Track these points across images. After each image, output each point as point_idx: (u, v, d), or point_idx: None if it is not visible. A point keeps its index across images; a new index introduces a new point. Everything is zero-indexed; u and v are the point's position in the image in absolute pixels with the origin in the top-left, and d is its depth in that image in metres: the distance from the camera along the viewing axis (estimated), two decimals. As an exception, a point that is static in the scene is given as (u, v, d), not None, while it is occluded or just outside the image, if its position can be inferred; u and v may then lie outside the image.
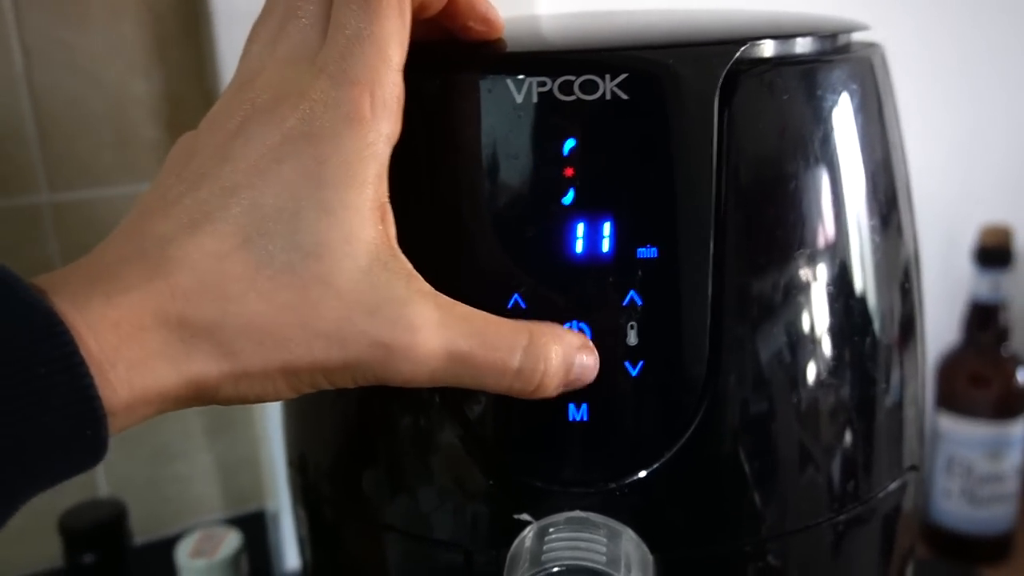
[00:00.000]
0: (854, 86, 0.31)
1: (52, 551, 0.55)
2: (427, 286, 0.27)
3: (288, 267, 0.25)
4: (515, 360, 0.27)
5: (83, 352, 0.22)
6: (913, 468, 0.35)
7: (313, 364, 0.26)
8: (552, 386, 0.28)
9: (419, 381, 0.27)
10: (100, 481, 0.60)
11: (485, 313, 0.28)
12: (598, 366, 0.29)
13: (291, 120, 0.26)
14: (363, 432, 0.34)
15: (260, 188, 0.25)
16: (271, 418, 0.61)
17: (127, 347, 0.23)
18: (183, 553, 0.51)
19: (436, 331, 0.26)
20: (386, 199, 0.27)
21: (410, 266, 0.27)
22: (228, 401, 0.26)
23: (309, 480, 0.37)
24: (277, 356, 0.25)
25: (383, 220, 0.27)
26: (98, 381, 0.23)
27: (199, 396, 0.25)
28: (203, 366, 0.24)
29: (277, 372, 0.25)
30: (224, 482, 0.64)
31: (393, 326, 0.26)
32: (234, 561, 0.51)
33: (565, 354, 0.28)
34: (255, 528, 0.64)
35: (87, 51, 0.53)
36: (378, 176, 0.26)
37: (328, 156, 0.25)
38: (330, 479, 0.36)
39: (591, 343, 0.29)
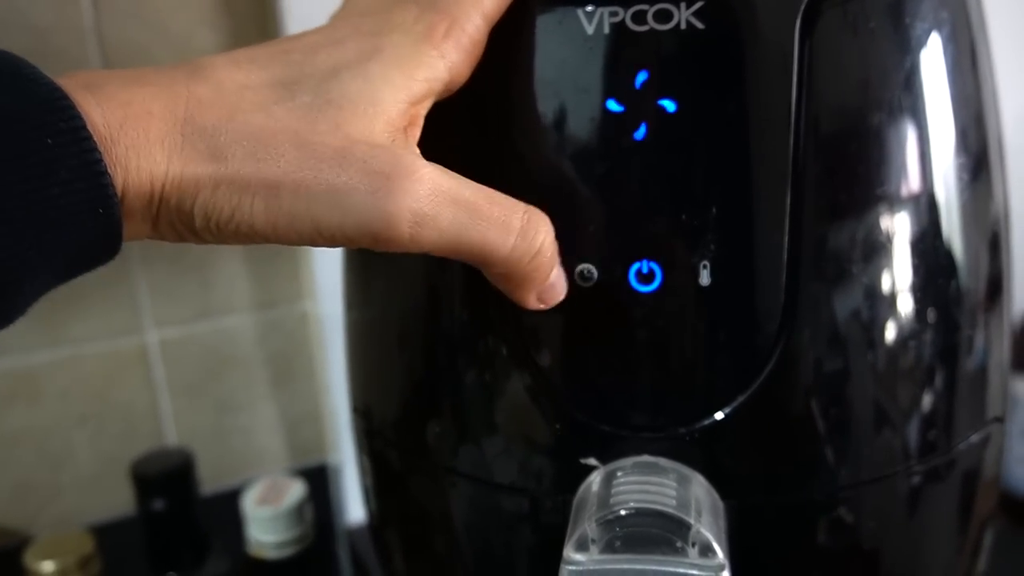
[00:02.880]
0: (944, 15, 0.30)
1: (124, 498, 0.57)
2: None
3: (306, 106, 0.25)
4: (517, 218, 0.26)
5: (89, 128, 0.22)
6: (997, 420, 0.34)
7: (299, 184, 0.24)
8: (547, 266, 0.27)
9: (416, 230, 0.25)
10: (168, 431, 0.61)
11: None
12: (565, 291, 0.29)
13: (366, 25, 0.27)
14: (429, 380, 0.34)
15: (311, 55, 0.26)
16: (334, 371, 0.61)
17: (132, 126, 0.23)
18: (249, 501, 0.51)
19: (439, 176, 0.25)
20: (421, 119, 0.27)
21: (417, 151, 0.27)
22: (202, 214, 0.25)
23: (374, 428, 0.37)
24: (264, 168, 0.24)
25: (411, 123, 0.27)
26: (104, 158, 0.22)
27: (181, 197, 0.24)
28: (193, 164, 0.24)
29: (259, 185, 0.24)
30: (287, 434, 0.65)
31: (396, 162, 0.25)
32: (298, 510, 0.51)
33: (553, 243, 0.28)
34: (318, 481, 0.65)
35: (154, 2, 0.53)
36: (427, 85, 0.27)
37: (386, 47, 0.26)
38: (395, 427, 0.36)
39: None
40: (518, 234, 0.26)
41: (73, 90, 0.22)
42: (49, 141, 0.21)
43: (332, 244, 0.26)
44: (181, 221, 0.25)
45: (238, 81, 0.25)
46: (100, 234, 0.23)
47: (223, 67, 0.25)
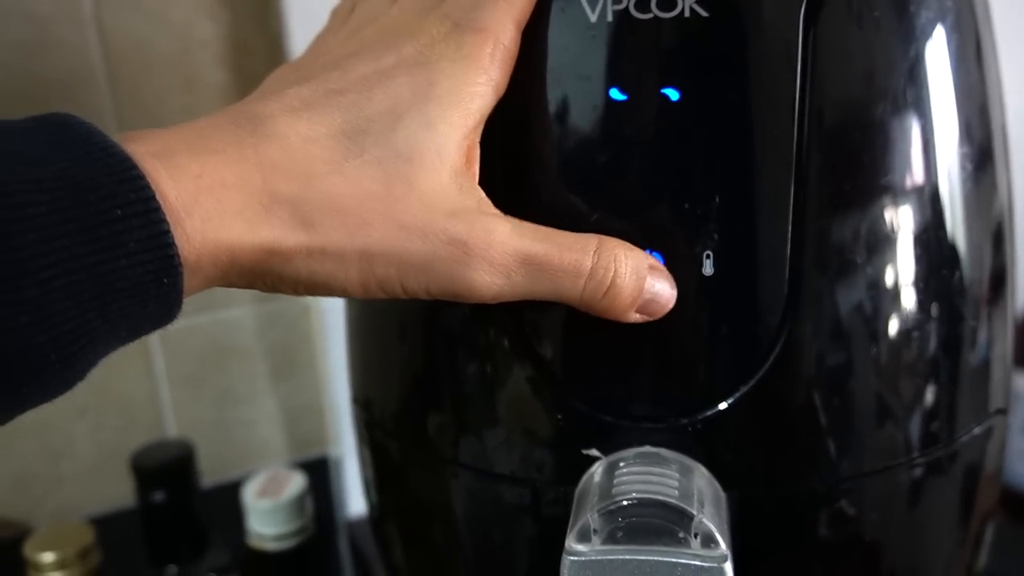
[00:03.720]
0: (949, 4, 0.30)
1: (124, 490, 0.57)
2: (497, 211, 0.27)
3: (376, 162, 0.25)
4: (588, 260, 0.27)
5: (159, 199, 0.22)
6: (1000, 412, 0.34)
7: (391, 252, 0.25)
8: (626, 292, 0.27)
9: (494, 289, 0.27)
10: (168, 423, 0.61)
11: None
12: (675, 296, 0.28)
13: (408, 49, 0.27)
14: (430, 371, 0.34)
15: (366, 95, 0.26)
16: (335, 363, 0.61)
17: (206, 199, 0.23)
18: (249, 493, 0.51)
19: (511, 235, 0.26)
20: (477, 143, 0.28)
21: (484, 194, 0.27)
22: (294, 280, 0.25)
23: (375, 419, 0.37)
24: (357, 237, 0.25)
25: (470, 157, 0.27)
26: (173, 229, 0.22)
27: (269, 264, 0.25)
28: (280, 233, 0.24)
29: (354, 254, 0.25)
30: (288, 427, 0.65)
31: (471, 227, 0.26)
32: (299, 502, 0.51)
33: (636, 265, 0.28)
34: (318, 473, 0.65)
35: (154, -8, 0.53)
36: (480, 112, 0.27)
37: (439, 80, 0.26)
38: (396, 418, 0.36)
39: (665, 269, 0.28)
40: (587, 276, 0.27)
41: (142, 159, 0.23)
42: (119, 212, 0.21)
43: (413, 298, 0.27)
44: (265, 282, 0.26)
45: (302, 134, 0.25)
46: (163, 303, 0.23)
47: (283, 119, 0.25)
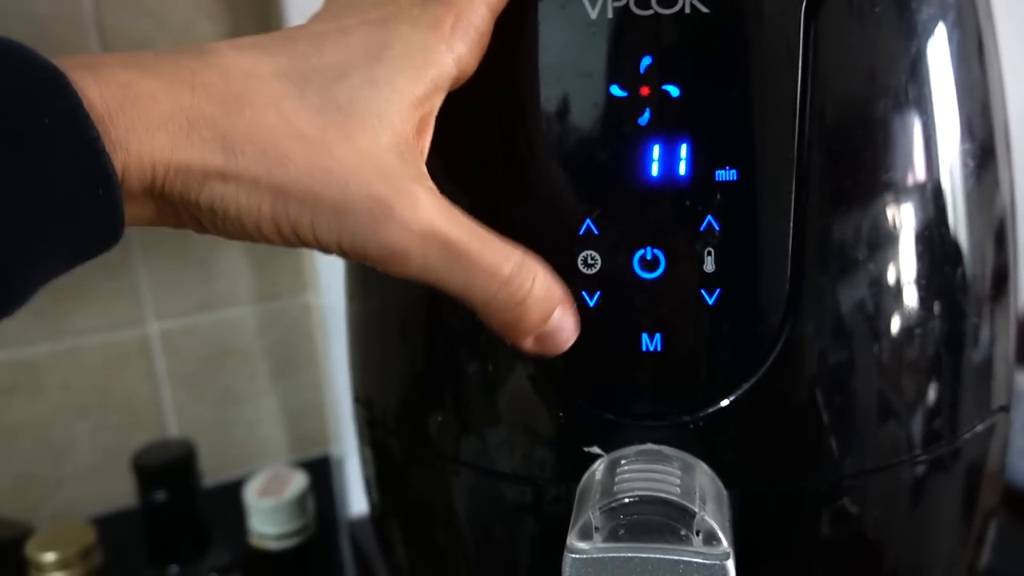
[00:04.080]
0: (950, 1, 0.30)
1: (126, 490, 0.57)
2: (435, 188, 0.26)
3: (314, 109, 0.25)
4: (507, 268, 0.26)
5: (87, 107, 0.22)
6: (1003, 409, 0.34)
7: (307, 193, 0.24)
8: (534, 314, 0.27)
9: (408, 261, 0.25)
10: (170, 422, 0.61)
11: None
12: (574, 337, 0.28)
13: (374, 14, 0.26)
14: (431, 369, 0.34)
15: (318, 46, 0.26)
16: (336, 363, 0.61)
17: (131, 108, 0.23)
18: (251, 492, 0.51)
19: (439, 213, 0.25)
20: (433, 115, 0.27)
21: (425, 171, 0.26)
22: (210, 207, 0.24)
23: (376, 418, 0.37)
24: (275, 170, 0.24)
25: (420, 129, 0.27)
26: (101, 137, 0.22)
27: (186, 185, 0.24)
28: (199, 152, 0.23)
29: (268, 187, 0.24)
30: (289, 427, 0.65)
31: (399, 191, 0.25)
32: (300, 501, 0.51)
33: (551, 289, 0.27)
34: (320, 473, 0.65)
35: (154, -8, 0.53)
36: (434, 83, 0.26)
37: (394, 43, 0.26)
38: (397, 417, 0.36)
39: (575, 309, 0.28)
40: (502, 283, 0.26)
41: (70, 70, 0.22)
42: (46, 121, 0.21)
43: (326, 252, 0.26)
44: (186, 210, 0.25)
45: (244, 69, 0.25)
46: (101, 216, 0.22)
47: (228, 53, 0.25)
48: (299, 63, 0.25)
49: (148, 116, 0.23)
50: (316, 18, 0.28)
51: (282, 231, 0.25)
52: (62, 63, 0.22)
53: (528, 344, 0.28)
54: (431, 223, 0.25)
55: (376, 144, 0.25)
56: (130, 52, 0.25)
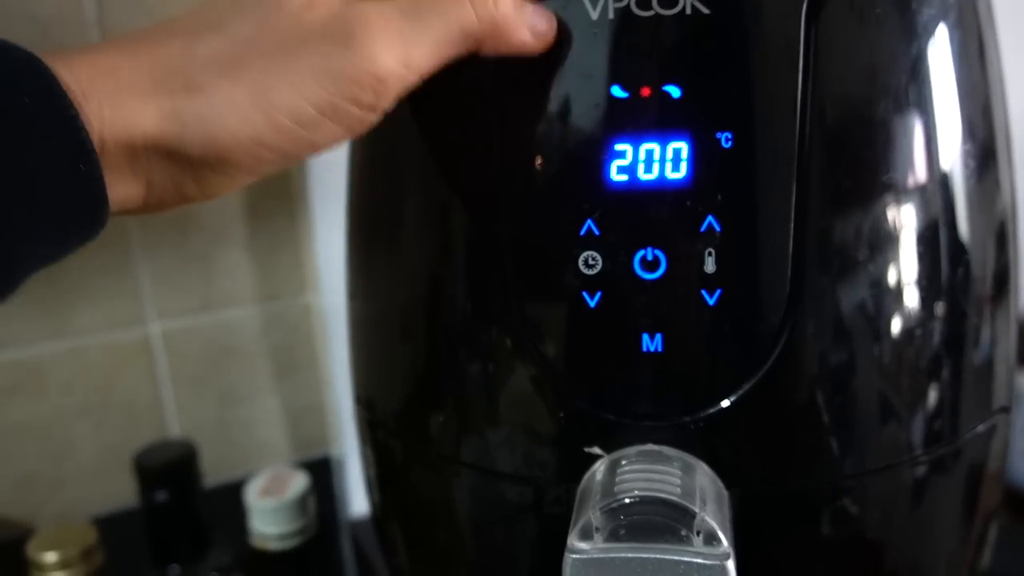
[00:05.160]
0: (951, 2, 0.30)
1: (127, 490, 0.57)
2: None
3: (251, 10, 0.26)
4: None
5: (63, 85, 0.22)
6: (1003, 410, 0.34)
7: (280, 75, 0.25)
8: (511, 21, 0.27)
9: (395, 54, 0.26)
10: (171, 423, 0.61)
11: None
12: (554, 22, 0.28)
13: None
14: (432, 370, 0.34)
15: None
16: (337, 363, 0.61)
17: (102, 81, 0.24)
18: (252, 493, 0.51)
19: (378, 7, 0.26)
20: None
21: None
22: (201, 151, 0.25)
23: (377, 418, 0.37)
24: (242, 76, 0.25)
25: None
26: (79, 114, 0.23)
27: (170, 138, 0.25)
28: (172, 101, 0.24)
29: (245, 95, 0.25)
30: (290, 427, 0.65)
31: (344, 14, 0.26)
32: (301, 502, 0.51)
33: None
34: (321, 473, 0.65)
35: (156, -7, 0.53)
36: None
37: None
38: (398, 417, 0.36)
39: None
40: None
41: (41, 57, 0.23)
42: (26, 100, 0.22)
43: (338, 129, 0.26)
44: (177, 164, 0.25)
45: (192, 15, 0.26)
46: (83, 192, 0.23)
47: (178, 17, 0.26)
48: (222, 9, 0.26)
49: (118, 85, 0.24)
50: None
51: (282, 129, 0.25)
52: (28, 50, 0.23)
53: (530, 42, 0.28)
54: (385, 9, 0.26)
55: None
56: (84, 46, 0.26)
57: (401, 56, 0.26)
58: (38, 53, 0.23)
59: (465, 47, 0.27)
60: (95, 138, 0.23)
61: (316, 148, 0.26)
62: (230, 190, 0.27)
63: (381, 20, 0.26)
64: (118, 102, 0.24)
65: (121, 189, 0.25)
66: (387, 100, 0.26)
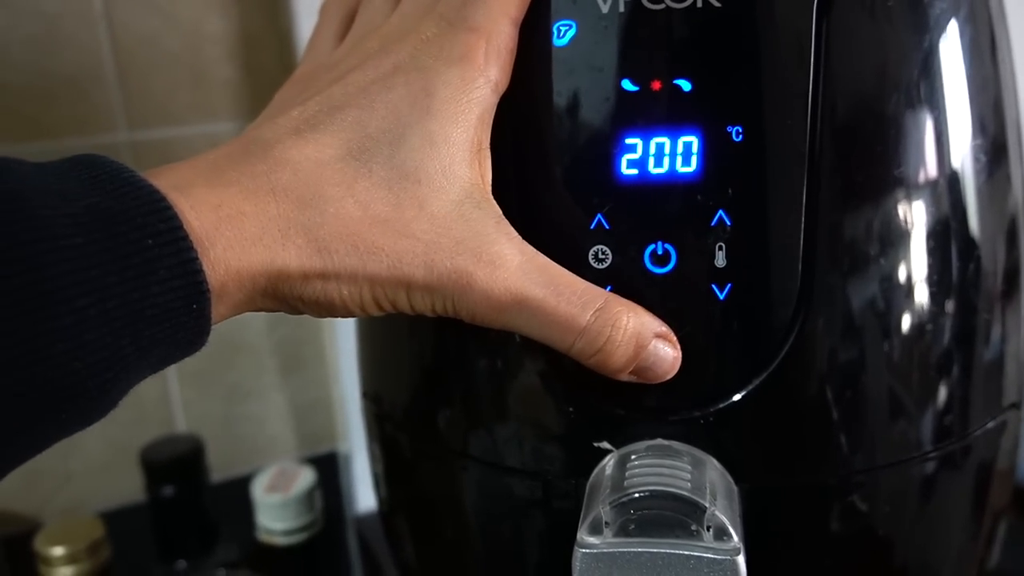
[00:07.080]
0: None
1: (134, 485, 0.57)
2: (514, 232, 0.27)
3: (385, 183, 0.26)
4: (585, 317, 0.27)
5: (185, 228, 0.23)
6: (1014, 406, 0.33)
7: (399, 279, 0.26)
8: (617, 357, 0.27)
9: (488, 319, 0.27)
10: (178, 418, 0.61)
11: (565, 270, 0.27)
12: (679, 363, 0.28)
13: (404, 53, 0.27)
14: (440, 364, 0.34)
15: (367, 109, 0.26)
16: (343, 359, 0.61)
17: (226, 227, 0.24)
18: (258, 488, 0.51)
19: (515, 272, 0.26)
20: (487, 144, 0.28)
21: (499, 211, 0.27)
22: (311, 301, 0.26)
23: (385, 413, 0.37)
24: (368, 263, 0.26)
25: (480, 163, 0.27)
26: (199, 258, 0.23)
27: (290, 288, 0.26)
28: (297, 259, 0.25)
29: (364, 279, 0.26)
30: (297, 423, 0.65)
31: (477, 259, 0.26)
32: (308, 497, 0.51)
33: (638, 331, 0.27)
34: (327, 469, 0.65)
35: (164, -12, 0.53)
36: (480, 119, 0.27)
37: (436, 89, 0.27)
38: (406, 412, 0.36)
39: (675, 338, 0.28)
40: (579, 334, 0.27)
41: (166, 191, 0.23)
42: (150, 242, 0.22)
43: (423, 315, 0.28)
44: (287, 303, 0.27)
45: (312, 158, 0.26)
46: (192, 328, 0.24)
47: (291, 143, 0.26)
48: (357, 135, 0.26)
49: (242, 234, 0.24)
50: (343, 51, 0.29)
51: (382, 307, 0.27)
52: (156, 183, 0.23)
53: (624, 378, 0.28)
54: (507, 287, 0.26)
55: (450, 203, 0.26)
56: (208, 159, 0.26)
57: (492, 322, 0.27)
58: (162, 187, 0.23)
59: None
60: (217, 282, 0.24)
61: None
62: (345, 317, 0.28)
63: (497, 292, 0.27)
64: (243, 253, 0.24)
65: (233, 309, 0.26)
66: None
